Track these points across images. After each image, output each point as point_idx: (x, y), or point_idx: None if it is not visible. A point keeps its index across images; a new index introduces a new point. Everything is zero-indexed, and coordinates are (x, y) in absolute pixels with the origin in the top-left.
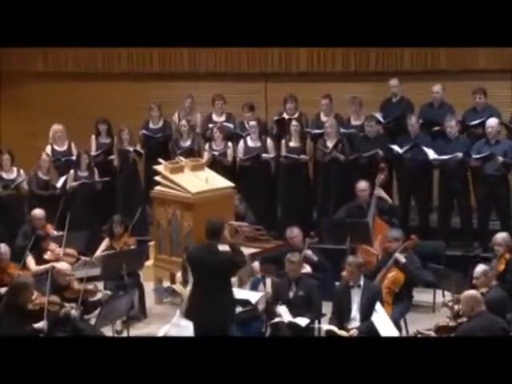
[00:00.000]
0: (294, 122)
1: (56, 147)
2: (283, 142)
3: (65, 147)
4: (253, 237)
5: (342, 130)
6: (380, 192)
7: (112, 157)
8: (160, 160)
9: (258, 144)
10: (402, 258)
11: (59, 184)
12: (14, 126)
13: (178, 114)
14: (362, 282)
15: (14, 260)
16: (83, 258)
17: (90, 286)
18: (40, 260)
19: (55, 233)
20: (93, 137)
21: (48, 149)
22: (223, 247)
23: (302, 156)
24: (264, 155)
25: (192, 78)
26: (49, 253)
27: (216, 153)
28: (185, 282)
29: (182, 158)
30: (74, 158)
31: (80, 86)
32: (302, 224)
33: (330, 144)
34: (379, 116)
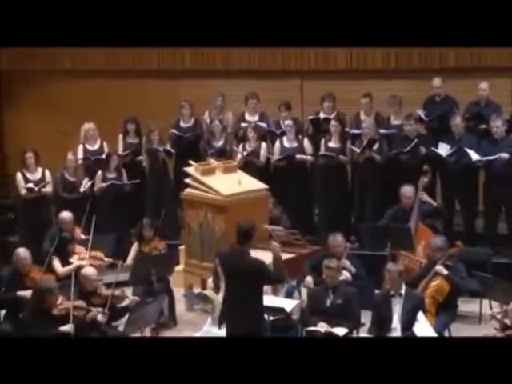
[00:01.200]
0: (333, 122)
1: (88, 146)
2: (322, 142)
3: (96, 146)
4: (287, 242)
5: (382, 131)
6: (424, 196)
7: (140, 157)
8: (191, 162)
9: (295, 144)
10: (443, 271)
11: (84, 187)
12: (40, 125)
13: (208, 112)
14: (403, 291)
15: (42, 264)
16: (111, 261)
17: (118, 292)
18: (66, 264)
19: (82, 236)
20: (120, 136)
21: (80, 148)
22: (261, 254)
23: (341, 156)
24: (299, 156)
25: (224, 76)
26: (75, 256)
27: (249, 154)
28: (216, 289)
29: (213, 160)
30: (103, 157)
31: (109, 83)
32: (341, 228)
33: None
34: (421, 113)
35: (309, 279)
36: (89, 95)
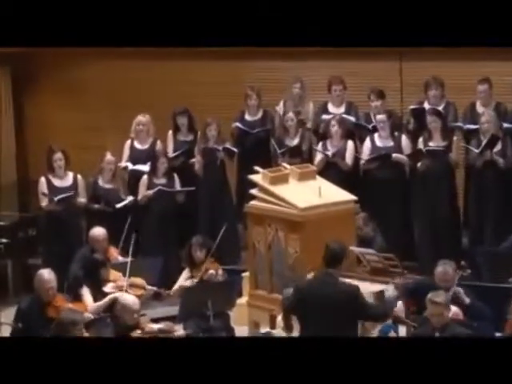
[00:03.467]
0: (430, 117)
1: (137, 144)
2: (420, 140)
3: (147, 145)
4: (381, 268)
5: (506, 125)
6: None
7: (194, 159)
8: (257, 168)
9: (390, 143)
10: None
11: (124, 198)
12: (68, 117)
13: (283, 102)
14: None
15: (68, 292)
16: (155, 290)
17: (165, 328)
18: (99, 293)
19: (120, 258)
20: (170, 133)
21: (127, 145)
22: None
23: (449, 157)
24: (395, 155)
25: (301, 57)
26: (110, 284)
27: (332, 154)
28: (289, 328)
29: (286, 165)
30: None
31: (153, 66)
32: (449, 251)
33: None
34: None
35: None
36: (127, 81)
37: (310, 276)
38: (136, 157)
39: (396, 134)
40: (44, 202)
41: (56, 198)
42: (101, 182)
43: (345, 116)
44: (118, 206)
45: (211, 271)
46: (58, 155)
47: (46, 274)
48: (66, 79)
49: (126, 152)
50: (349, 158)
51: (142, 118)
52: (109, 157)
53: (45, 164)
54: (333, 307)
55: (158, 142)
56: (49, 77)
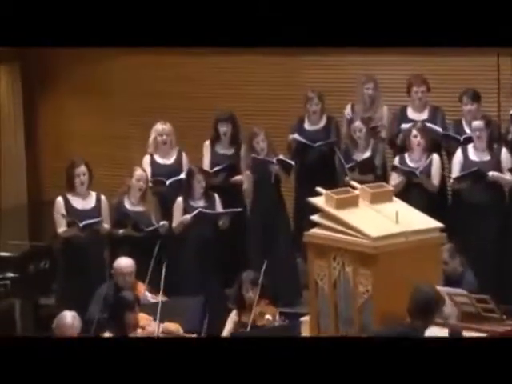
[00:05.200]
0: None
1: (158, 159)
2: None
3: (171, 159)
4: (474, 313)
5: None
6: None
7: (239, 177)
8: (319, 189)
9: (487, 157)
10: None
11: (157, 224)
12: (89, 124)
13: (351, 107)
14: None
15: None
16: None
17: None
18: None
19: (150, 296)
20: (207, 144)
21: (145, 161)
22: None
23: None
24: (493, 173)
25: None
26: (139, 330)
27: (413, 171)
28: None
29: (355, 184)
30: (183, 176)
31: (186, 62)
32: None
33: None
34: None
35: None
36: (155, 79)
37: (384, 326)
38: (160, 175)
39: (495, 145)
40: (61, 228)
41: (81, 224)
42: (127, 204)
43: (429, 124)
44: (149, 229)
45: (268, 316)
46: (82, 169)
47: (70, 318)
48: (87, 78)
49: (147, 170)
50: (434, 175)
51: (163, 126)
52: (139, 172)
53: (63, 181)
54: None
55: (184, 155)
56: (66, 75)
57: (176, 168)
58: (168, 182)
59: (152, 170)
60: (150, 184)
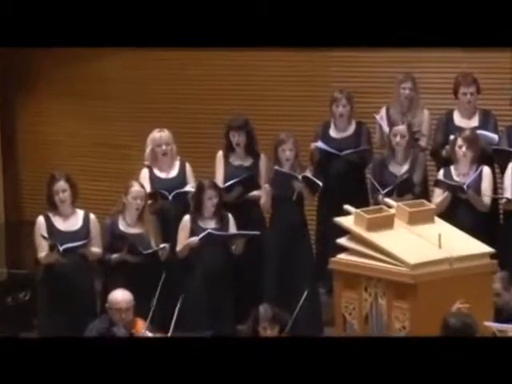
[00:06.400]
0: None
1: (158, 172)
2: None
3: (173, 172)
4: None
5: None
6: None
7: (257, 192)
8: (348, 207)
9: None
10: None
11: (156, 248)
12: (77, 131)
13: (385, 110)
14: None
15: None
16: None
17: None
18: None
19: (149, 335)
20: (219, 155)
21: (144, 175)
22: None
23: None
24: None
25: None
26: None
27: (460, 187)
28: None
29: (390, 202)
30: (187, 190)
31: (194, 58)
32: None
33: None
34: None
35: None
36: (151, 79)
37: None
38: (161, 188)
39: None
40: (43, 252)
41: (62, 248)
42: (122, 225)
43: (479, 131)
44: (147, 251)
45: None
46: (61, 185)
47: None
48: (72, 79)
49: (146, 186)
50: (485, 191)
51: (160, 134)
52: (136, 188)
53: (45, 197)
54: None
55: (188, 166)
56: (49, 76)
57: (180, 182)
58: (171, 196)
59: (152, 187)
60: (150, 201)
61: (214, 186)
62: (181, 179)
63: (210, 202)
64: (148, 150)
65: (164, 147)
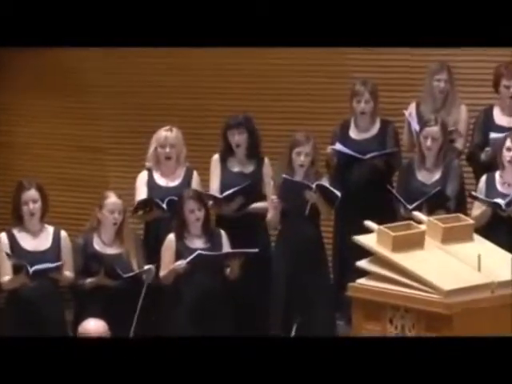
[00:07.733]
0: None
1: (158, 178)
2: None
3: (177, 181)
4: None
5: None
6: None
7: (260, 204)
8: (369, 223)
9: None
10: None
11: (138, 271)
12: (50, 133)
13: (416, 105)
14: None
15: None
16: None
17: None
18: None
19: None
20: (215, 159)
21: (141, 179)
22: None
23: None
24: None
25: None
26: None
27: (505, 199)
28: None
29: (420, 216)
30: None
31: (185, 52)
32: None
33: None
34: None
35: None
36: (142, 71)
37: None
38: (159, 200)
39: None
40: (5, 276)
41: (31, 270)
42: (97, 244)
43: None
44: (127, 275)
45: None
46: (31, 193)
47: None
48: (49, 73)
49: (142, 192)
50: None
51: (166, 133)
52: (112, 200)
53: (10, 210)
54: None
55: (195, 175)
56: (21, 71)
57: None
58: (164, 204)
59: (149, 194)
60: (140, 211)
61: (196, 197)
62: (185, 188)
63: (193, 215)
64: (151, 149)
65: (168, 150)
